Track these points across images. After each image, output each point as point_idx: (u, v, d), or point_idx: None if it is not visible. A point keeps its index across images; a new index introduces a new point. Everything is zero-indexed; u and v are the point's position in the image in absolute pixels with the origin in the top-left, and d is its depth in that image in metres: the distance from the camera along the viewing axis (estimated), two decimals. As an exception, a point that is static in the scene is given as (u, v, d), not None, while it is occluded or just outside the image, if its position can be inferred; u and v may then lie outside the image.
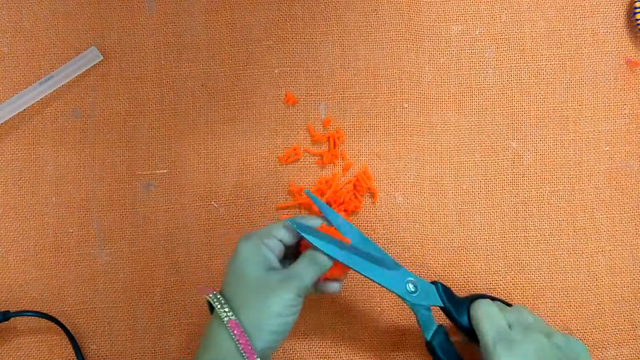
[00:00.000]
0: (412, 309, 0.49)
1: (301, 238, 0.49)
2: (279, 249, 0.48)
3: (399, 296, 0.49)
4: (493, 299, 0.52)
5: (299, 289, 0.45)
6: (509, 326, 0.48)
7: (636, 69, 0.59)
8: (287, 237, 0.49)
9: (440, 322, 0.50)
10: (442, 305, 0.50)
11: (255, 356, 0.43)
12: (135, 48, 0.59)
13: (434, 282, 0.51)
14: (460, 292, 0.57)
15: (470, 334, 0.49)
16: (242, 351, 0.43)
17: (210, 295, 0.46)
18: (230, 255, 0.48)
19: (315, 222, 0.50)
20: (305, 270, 0.46)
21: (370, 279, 0.48)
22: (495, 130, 0.59)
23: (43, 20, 0.59)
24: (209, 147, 0.59)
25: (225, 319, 0.44)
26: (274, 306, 0.44)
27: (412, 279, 0.49)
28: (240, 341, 0.43)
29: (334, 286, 0.50)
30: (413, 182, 0.58)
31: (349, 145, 0.59)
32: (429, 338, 0.49)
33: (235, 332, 0.43)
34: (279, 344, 0.46)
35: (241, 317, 0.44)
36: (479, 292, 0.57)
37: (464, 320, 0.50)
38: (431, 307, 0.50)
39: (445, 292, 0.50)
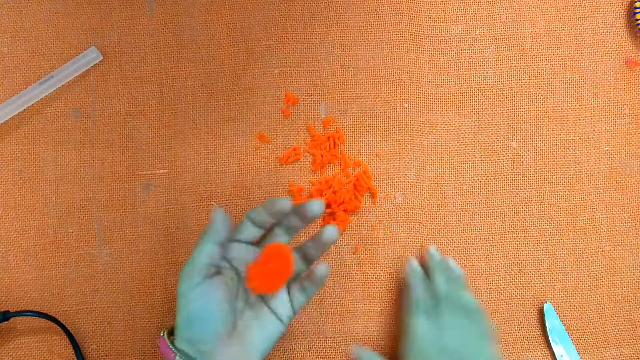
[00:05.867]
0: None
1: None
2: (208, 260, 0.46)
3: None
4: None
5: (194, 268, 0.45)
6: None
7: (636, 69, 0.59)
8: (215, 250, 0.47)
9: None
10: None
11: (168, 343, 0.45)
12: (135, 48, 0.59)
13: None
14: (460, 292, 0.57)
15: None
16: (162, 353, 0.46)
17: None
18: None
19: (283, 202, 0.47)
20: (198, 246, 0.46)
21: None
22: (495, 130, 0.59)
23: (43, 20, 0.59)
24: (209, 147, 0.59)
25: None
26: (179, 289, 0.46)
27: None
28: (160, 344, 0.46)
29: (328, 233, 0.48)
30: (413, 182, 0.58)
31: (349, 145, 0.59)
32: None
33: (158, 343, 0.47)
34: (210, 330, 0.45)
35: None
36: (477, 291, 0.57)
37: None
38: None
39: None
